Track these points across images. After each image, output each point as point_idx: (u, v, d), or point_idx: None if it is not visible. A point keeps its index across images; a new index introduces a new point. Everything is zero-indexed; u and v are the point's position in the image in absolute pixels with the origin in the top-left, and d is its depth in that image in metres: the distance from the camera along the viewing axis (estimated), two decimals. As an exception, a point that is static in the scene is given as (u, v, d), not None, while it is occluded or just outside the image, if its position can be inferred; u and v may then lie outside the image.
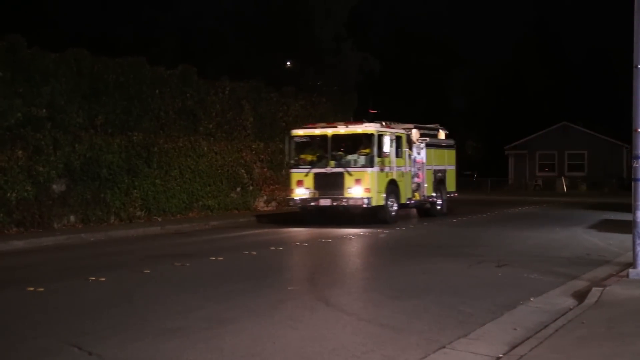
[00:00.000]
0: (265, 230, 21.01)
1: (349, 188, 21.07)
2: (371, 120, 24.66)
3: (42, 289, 10.70)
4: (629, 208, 11.64)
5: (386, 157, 21.57)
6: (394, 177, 22.17)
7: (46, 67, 20.41)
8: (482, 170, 55.44)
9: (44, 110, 20.24)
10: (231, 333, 7.92)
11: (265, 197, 27.76)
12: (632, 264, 11.16)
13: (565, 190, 48.23)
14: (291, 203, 22.37)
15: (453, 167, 27.19)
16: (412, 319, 8.64)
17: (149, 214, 23.03)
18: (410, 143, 23.53)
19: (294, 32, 41.15)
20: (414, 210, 25.92)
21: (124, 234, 19.66)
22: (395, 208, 22.26)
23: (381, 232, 19.55)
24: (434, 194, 25.13)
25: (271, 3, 42.19)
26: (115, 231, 19.88)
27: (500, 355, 7.08)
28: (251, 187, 27.19)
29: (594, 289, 10.09)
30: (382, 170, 21.44)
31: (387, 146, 21.69)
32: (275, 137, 28.12)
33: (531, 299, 9.87)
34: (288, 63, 42.61)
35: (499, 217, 26.18)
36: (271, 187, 27.88)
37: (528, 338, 7.64)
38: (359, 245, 17.42)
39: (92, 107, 21.74)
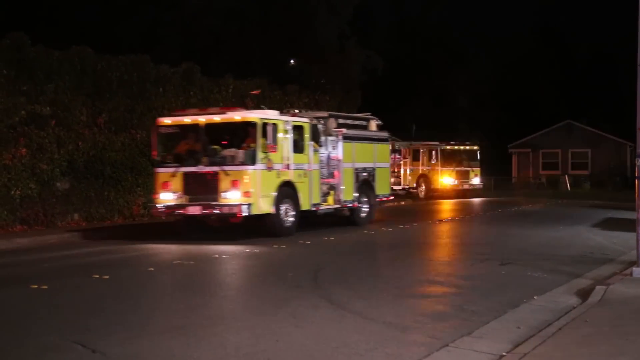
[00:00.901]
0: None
1: (224, 192, 16.63)
2: (269, 106, 20.81)
3: (45, 287, 10.72)
4: (632, 206, 11.62)
5: (274, 151, 17.04)
6: (290, 177, 17.77)
7: (50, 65, 20.45)
8: (486, 169, 55.32)
9: (48, 108, 20.27)
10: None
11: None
12: (636, 263, 11.15)
13: (569, 188, 48.14)
14: (152, 211, 18.02)
15: (386, 165, 22.78)
16: (415, 317, 8.64)
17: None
18: (317, 135, 19.10)
19: (298, 30, 41.11)
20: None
21: (127, 232, 19.65)
22: (292, 217, 17.84)
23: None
24: (355, 198, 20.54)
25: (275, 1, 42.16)
26: (119, 229, 19.88)
27: (504, 354, 7.07)
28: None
29: (597, 287, 10.08)
30: (269, 168, 17.03)
31: (280, 138, 17.38)
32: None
33: (535, 298, 9.86)
34: (292, 61, 42.58)
35: (502, 215, 26.13)
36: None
37: (531, 336, 7.63)
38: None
39: (96, 105, 21.78)
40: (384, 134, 22.86)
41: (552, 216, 25.26)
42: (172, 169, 17.32)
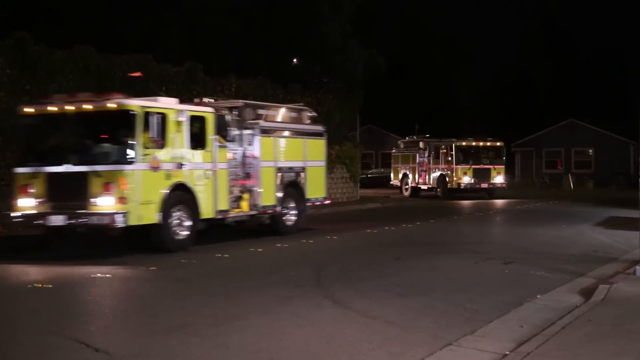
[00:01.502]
0: None
1: (94, 197, 13.53)
2: (178, 95, 18.61)
3: (49, 285, 10.73)
4: (636, 205, 11.62)
5: (162, 147, 14.06)
6: (185, 179, 14.67)
7: (53, 64, 20.45)
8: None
9: (51, 107, 20.26)
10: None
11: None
12: (639, 261, 11.13)
13: (572, 187, 48.09)
14: (6, 220, 14.98)
15: (321, 163, 19.57)
16: (418, 316, 8.64)
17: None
18: (224, 128, 16.06)
19: (301, 28, 41.08)
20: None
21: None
22: (187, 227, 14.74)
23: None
24: (278, 203, 17.55)
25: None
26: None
27: (507, 353, 7.07)
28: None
29: (600, 286, 10.07)
30: (155, 168, 13.90)
31: (170, 131, 14.31)
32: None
33: (538, 296, 9.86)
34: (294, 60, 42.57)
35: (507, 214, 26.12)
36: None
37: (534, 335, 7.63)
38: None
39: (99, 104, 21.74)
40: (319, 128, 19.79)
41: (555, 215, 25.23)
42: (33, 169, 14.12)
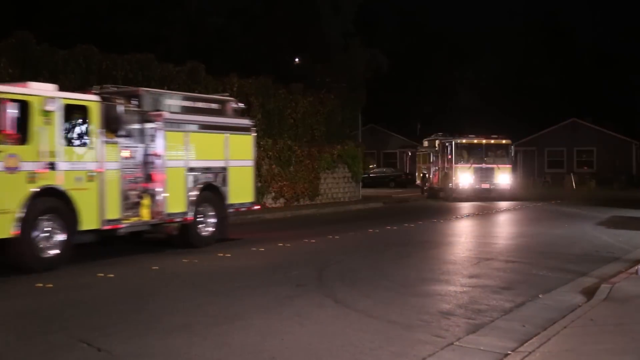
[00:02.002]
0: None
1: None
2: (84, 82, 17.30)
3: (51, 285, 10.73)
4: (638, 205, 11.60)
5: (21, 142, 11.60)
6: (58, 182, 12.18)
7: (55, 64, 20.49)
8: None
9: (53, 107, 20.28)
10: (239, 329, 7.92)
11: (273, 194, 27.77)
12: (642, 261, 11.13)
13: (574, 186, 48.07)
14: None
15: (249, 163, 16.90)
16: (420, 315, 8.64)
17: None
18: (115, 119, 13.39)
19: (302, 28, 41.13)
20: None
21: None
22: (59, 243, 12.21)
23: None
24: (190, 210, 14.85)
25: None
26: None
27: (509, 352, 7.07)
28: (259, 184, 27.20)
29: (603, 285, 10.07)
30: (11, 169, 11.42)
31: (35, 123, 11.84)
32: (284, 133, 28.15)
33: (540, 296, 9.85)
34: (296, 59, 42.60)
35: (508, 214, 26.08)
36: (279, 183, 27.89)
37: (537, 334, 7.63)
38: None
39: (101, 104, 21.78)
40: (245, 122, 17.14)
41: (557, 214, 25.23)
42: None
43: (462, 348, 7.27)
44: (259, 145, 27.11)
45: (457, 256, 13.98)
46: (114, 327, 8.02)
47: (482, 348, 7.27)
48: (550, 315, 8.69)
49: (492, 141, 34.00)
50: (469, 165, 33.18)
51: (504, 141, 34.21)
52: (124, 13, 41.50)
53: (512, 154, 34.96)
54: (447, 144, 33.99)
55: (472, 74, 61.16)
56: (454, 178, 33.19)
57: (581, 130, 53.39)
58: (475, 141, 33.77)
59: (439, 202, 33.07)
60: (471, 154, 33.62)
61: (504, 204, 30.03)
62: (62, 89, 13.32)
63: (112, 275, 11.68)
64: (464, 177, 33.12)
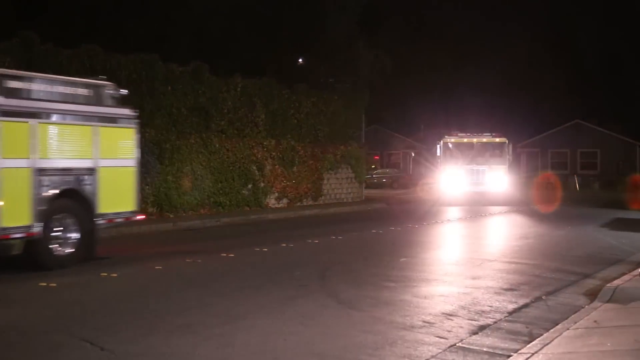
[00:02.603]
0: None
1: None
2: None
3: (54, 284, 10.74)
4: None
5: None
6: None
7: (59, 64, 20.49)
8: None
9: (57, 107, 20.28)
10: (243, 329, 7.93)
11: (276, 194, 27.77)
12: (645, 263, 11.11)
13: (577, 188, 48.02)
14: None
15: (130, 162, 13.90)
16: (423, 316, 8.63)
17: (160, 210, 23.09)
18: None
19: (307, 29, 41.14)
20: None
21: (135, 230, 19.69)
22: None
23: None
24: (37, 222, 11.71)
25: (284, 0, 42.24)
26: (127, 227, 19.90)
27: (512, 353, 7.06)
28: (262, 184, 27.20)
29: (606, 287, 10.06)
30: None
31: None
32: (287, 133, 28.16)
33: (543, 297, 9.85)
34: (300, 60, 42.63)
35: (510, 216, 26.05)
36: (282, 184, 27.89)
37: (540, 336, 7.62)
38: None
39: (105, 104, 21.79)
40: (125, 111, 13.93)
41: (560, 216, 25.19)
42: None
43: (465, 349, 7.26)
44: (262, 145, 27.16)
45: (460, 257, 13.97)
46: (117, 327, 8.03)
47: (485, 349, 7.27)
48: (553, 316, 8.69)
49: (485, 140, 31.54)
50: (457, 165, 30.85)
51: (497, 139, 31.75)
52: (128, 13, 41.55)
53: (508, 153, 32.06)
54: (437, 144, 32.53)
55: (476, 74, 61.06)
56: (441, 180, 31.77)
57: (585, 132, 53.35)
58: (465, 140, 31.46)
59: (441, 204, 32.95)
60: (463, 154, 31.30)
61: (504, 206, 29.79)
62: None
63: (115, 275, 11.69)
64: (451, 179, 31.07)
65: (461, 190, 30.79)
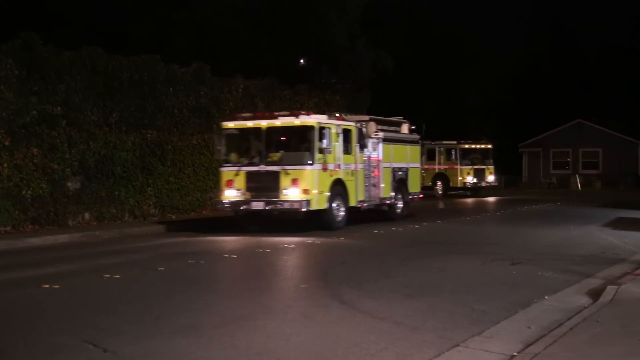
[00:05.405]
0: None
1: (284, 189, 18.26)
2: (318, 111, 22.62)
3: (57, 286, 10.76)
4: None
5: (329, 153, 18.77)
6: (341, 176, 19.40)
7: (61, 65, 20.52)
8: (496, 168, 55.19)
9: (59, 108, 20.36)
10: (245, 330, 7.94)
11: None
12: (648, 262, 11.10)
13: (579, 188, 47.98)
14: (219, 206, 19.35)
15: (417, 165, 24.62)
16: (426, 317, 8.63)
17: (162, 211, 23.12)
18: (362, 137, 20.45)
19: (308, 29, 41.11)
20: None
21: (138, 232, 19.73)
22: (343, 212, 19.54)
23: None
24: (392, 196, 22.35)
25: (285, 0, 42.18)
26: (129, 229, 19.96)
27: (514, 354, 7.06)
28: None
29: (609, 287, 10.04)
30: (324, 168, 18.64)
31: (332, 140, 19.02)
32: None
33: (545, 297, 9.83)
34: (301, 60, 42.59)
35: (512, 215, 26.05)
36: (285, 184, 27.88)
37: (542, 336, 7.61)
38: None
39: (107, 105, 21.86)
40: (416, 136, 24.58)
41: (562, 215, 25.18)
42: (235, 168, 18.97)
43: (467, 349, 7.26)
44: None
45: (462, 257, 13.95)
46: (119, 328, 8.04)
47: (487, 349, 7.26)
48: (556, 316, 8.67)
49: (481, 146, 39.81)
50: (471, 166, 37.82)
51: (488, 145, 39.96)
52: (129, 14, 41.53)
53: (493, 156, 39.82)
54: (442, 148, 38.13)
55: (478, 74, 60.99)
56: (460, 178, 37.46)
57: (587, 131, 53.26)
58: (473, 146, 39.17)
59: (443, 203, 33.27)
60: (468, 157, 38.19)
61: (506, 205, 29.91)
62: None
63: (118, 276, 11.70)
64: (468, 177, 37.58)
65: (472, 184, 38.32)
